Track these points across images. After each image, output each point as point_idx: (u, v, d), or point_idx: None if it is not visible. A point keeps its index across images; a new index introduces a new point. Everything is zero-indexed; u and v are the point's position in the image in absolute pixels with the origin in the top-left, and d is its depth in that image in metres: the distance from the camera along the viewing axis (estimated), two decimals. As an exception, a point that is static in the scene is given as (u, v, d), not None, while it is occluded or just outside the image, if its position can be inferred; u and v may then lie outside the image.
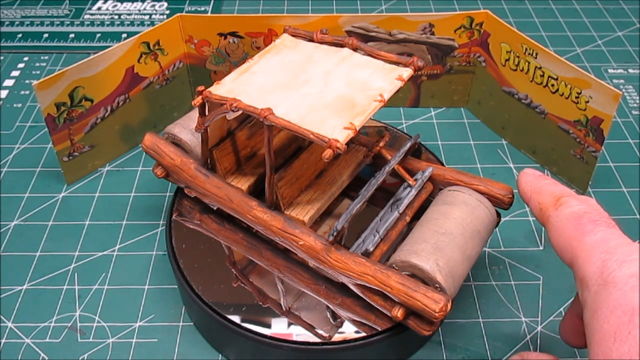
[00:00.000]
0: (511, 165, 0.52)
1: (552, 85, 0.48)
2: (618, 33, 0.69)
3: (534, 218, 0.48)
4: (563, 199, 0.31)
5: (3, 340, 0.40)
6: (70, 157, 0.49)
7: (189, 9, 0.73)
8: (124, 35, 0.68)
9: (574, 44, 0.67)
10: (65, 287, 0.43)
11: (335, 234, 0.35)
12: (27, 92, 0.60)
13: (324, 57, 0.38)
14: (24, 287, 0.43)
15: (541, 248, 0.46)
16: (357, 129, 0.33)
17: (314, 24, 0.51)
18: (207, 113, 0.37)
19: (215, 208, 0.41)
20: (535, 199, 0.33)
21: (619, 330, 0.25)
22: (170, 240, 0.40)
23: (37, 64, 0.64)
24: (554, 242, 0.30)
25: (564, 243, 0.29)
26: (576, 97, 0.46)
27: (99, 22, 0.69)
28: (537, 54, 0.48)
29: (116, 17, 0.71)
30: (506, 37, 0.50)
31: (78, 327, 0.40)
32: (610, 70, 0.63)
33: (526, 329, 0.41)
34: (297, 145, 0.42)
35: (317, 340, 0.35)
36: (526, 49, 0.49)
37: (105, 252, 0.45)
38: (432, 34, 0.53)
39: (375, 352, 0.37)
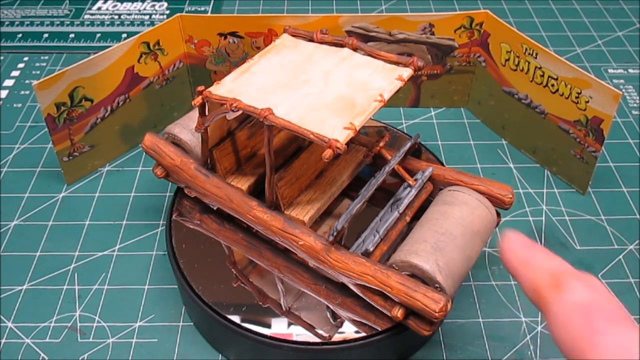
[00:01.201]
0: (511, 165, 0.52)
1: (552, 85, 0.48)
2: (618, 33, 0.69)
3: (534, 218, 0.48)
4: (563, 278, 0.26)
5: (3, 340, 0.40)
6: (70, 157, 0.49)
7: (189, 9, 0.73)
8: (124, 35, 0.67)
9: (574, 44, 0.67)
10: (65, 287, 0.43)
11: (335, 234, 0.35)
12: (27, 92, 0.60)
13: (324, 57, 0.38)
14: (24, 287, 0.43)
15: (541, 248, 0.46)
16: (357, 129, 0.33)
17: (314, 24, 0.51)
18: (207, 113, 0.37)
19: (215, 208, 0.41)
20: (524, 274, 0.28)
21: None
22: (170, 240, 0.40)
23: (37, 64, 0.64)
24: (556, 336, 0.26)
25: (571, 341, 0.25)
26: (576, 97, 0.46)
27: (99, 22, 0.69)
28: (537, 54, 0.48)
29: (116, 17, 0.71)
30: (506, 37, 0.50)
31: (78, 327, 0.40)
32: (610, 70, 0.63)
33: (526, 329, 0.41)
34: (297, 145, 0.42)
35: (317, 340, 0.35)
36: (526, 49, 0.49)
37: (105, 252, 0.45)
38: (432, 34, 0.53)
39: (375, 352, 0.37)
